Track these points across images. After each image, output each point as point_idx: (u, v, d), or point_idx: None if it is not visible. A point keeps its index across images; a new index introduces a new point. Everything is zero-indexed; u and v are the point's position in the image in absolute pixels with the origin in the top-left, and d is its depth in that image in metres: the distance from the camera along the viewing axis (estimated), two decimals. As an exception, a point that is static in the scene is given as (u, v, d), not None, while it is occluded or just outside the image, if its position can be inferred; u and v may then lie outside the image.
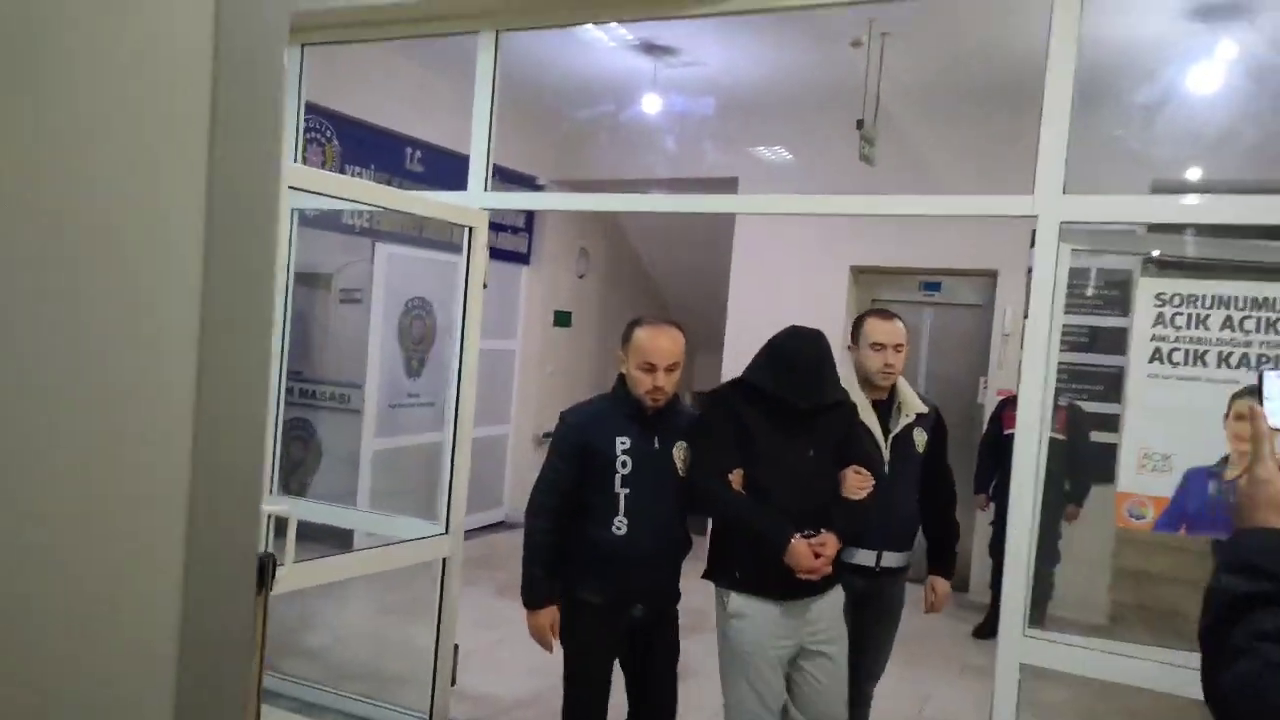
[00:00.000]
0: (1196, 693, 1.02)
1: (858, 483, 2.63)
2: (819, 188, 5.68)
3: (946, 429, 3.13)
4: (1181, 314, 2.53)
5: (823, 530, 2.56)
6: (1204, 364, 2.49)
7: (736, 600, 2.61)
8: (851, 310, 6.48)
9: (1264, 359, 2.41)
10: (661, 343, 2.60)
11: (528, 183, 7.10)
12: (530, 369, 7.46)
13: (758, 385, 2.63)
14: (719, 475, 2.60)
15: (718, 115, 6.27)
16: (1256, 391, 1.12)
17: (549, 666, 2.90)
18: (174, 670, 0.66)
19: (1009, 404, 5.40)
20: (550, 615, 2.62)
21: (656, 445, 2.64)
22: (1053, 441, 5.06)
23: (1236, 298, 2.49)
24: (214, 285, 0.66)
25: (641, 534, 2.58)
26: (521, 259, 7.30)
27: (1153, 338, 2.54)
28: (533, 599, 2.63)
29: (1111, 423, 5.22)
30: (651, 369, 2.58)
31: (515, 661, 4.04)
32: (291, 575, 2.67)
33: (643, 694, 2.76)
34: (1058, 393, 2.77)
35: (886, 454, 2.90)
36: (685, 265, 8.02)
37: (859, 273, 6.48)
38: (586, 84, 5.98)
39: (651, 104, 5.76)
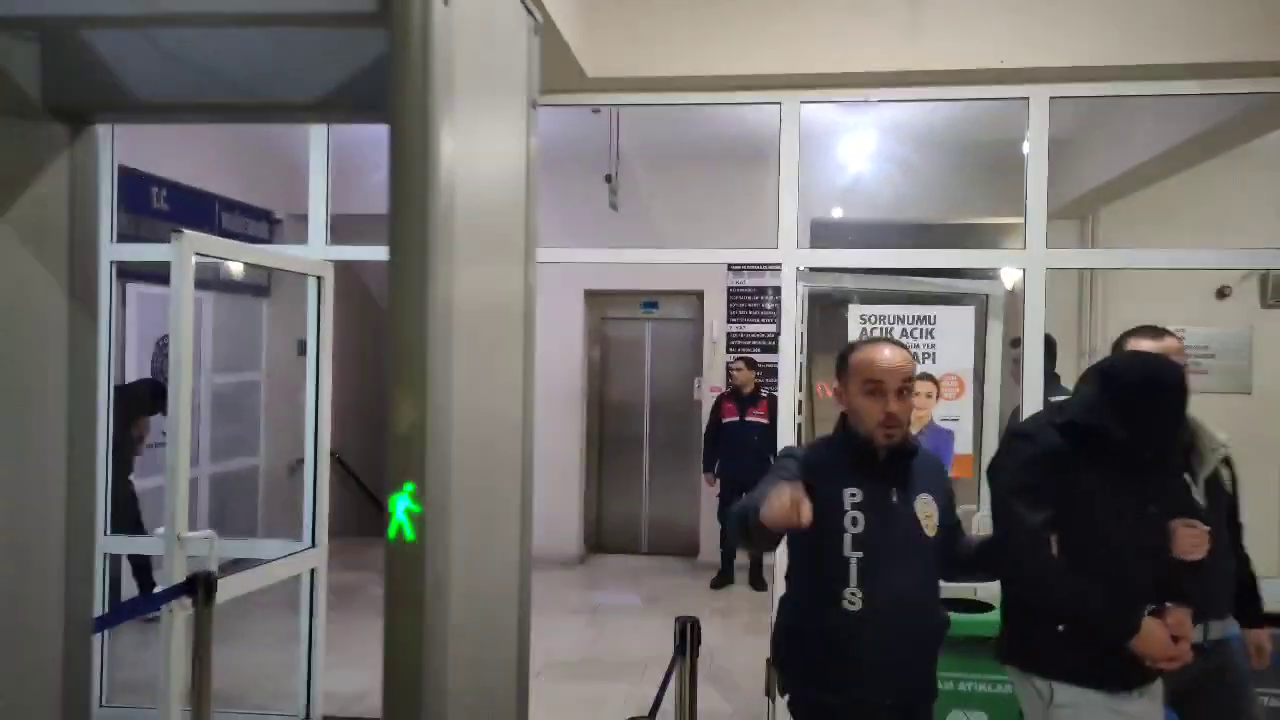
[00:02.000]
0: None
1: (1191, 539, 2.14)
2: (571, 231, 6.51)
3: (1234, 463, 2.52)
4: (877, 328, 3.77)
5: (1169, 605, 2.10)
6: (891, 360, 3.76)
7: (1066, 692, 2.13)
8: (588, 328, 7.51)
9: (927, 356, 3.71)
10: (887, 355, 2.10)
11: (264, 216, 7.24)
12: (277, 399, 7.57)
13: (1097, 429, 2.10)
14: (1040, 541, 2.11)
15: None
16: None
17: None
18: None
19: (725, 398, 6.74)
20: (787, 487, 1.87)
21: (894, 499, 2.11)
22: (758, 424, 6.46)
23: (906, 315, 3.78)
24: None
25: (881, 610, 2.04)
26: (262, 291, 7.41)
27: (861, 345, 3.77)
28: (748, 510, 1.98)
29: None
30: (880, 390, 2.07)
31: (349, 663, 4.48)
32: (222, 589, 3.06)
33: None
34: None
35: (1202, 501, 2.36)
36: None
37: (591, 295, 7.50)
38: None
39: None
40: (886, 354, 2.11)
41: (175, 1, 1.21)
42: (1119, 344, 2.50)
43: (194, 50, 1.24)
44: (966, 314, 3.76)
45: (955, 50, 3.54)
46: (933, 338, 3.71)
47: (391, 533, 1.18)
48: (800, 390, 3.85)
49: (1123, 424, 2.06)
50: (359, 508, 7.89)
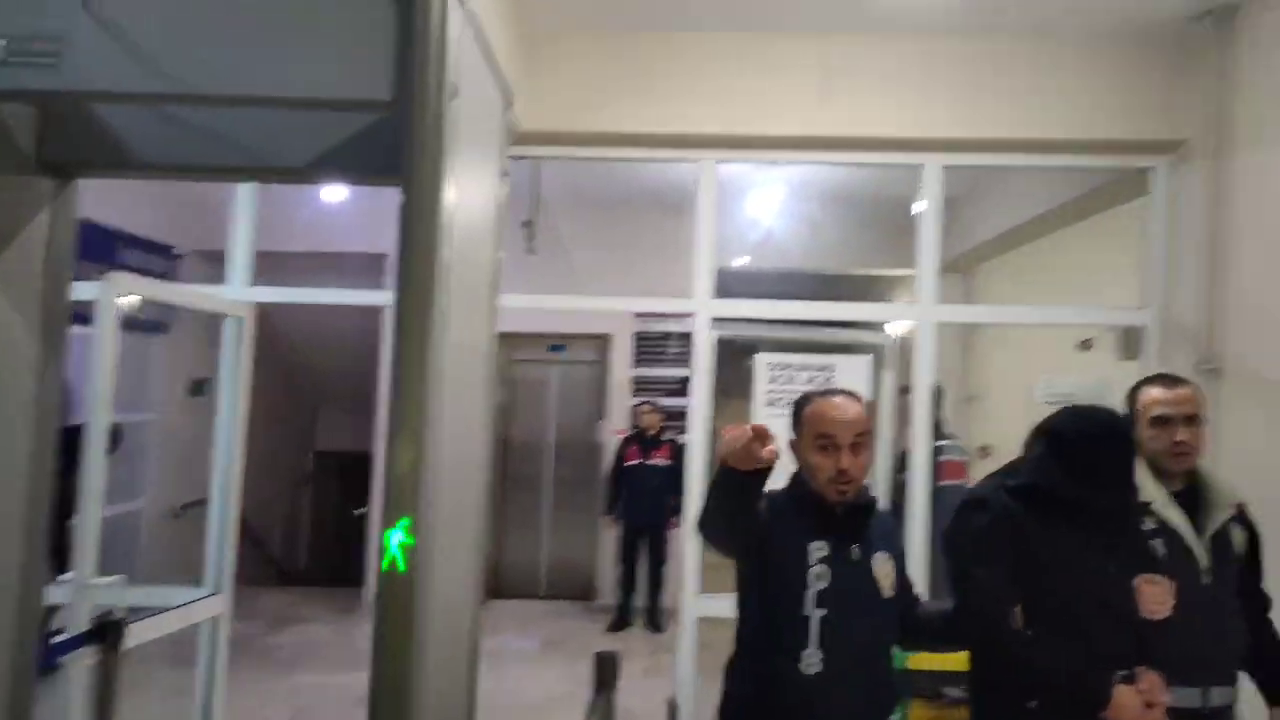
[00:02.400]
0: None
1: (1155, 595, 2.09)
2: None
3: (1259, 530, 2.38)
4: (781, 374, 3.99)
5: (1140, 669, 2.02)
6: (798, 405, 3.98)
7: None
8: (499, 370, 7.53)
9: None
10: (841, 411, 2.02)
11: (164, 252, 7.03)
12: (168, 440, 7.28)
13: (1048, 488, 2.08)
14: (1002, 613, 2.06)
15: (370, 192, 6.91)
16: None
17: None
18: None
19: (628, 441, 6.88)
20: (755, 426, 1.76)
21: (856, 555, 2.04)
22: (660, 467, 6.60)
23: (809, 364, 4.02)
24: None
25: (841, 674, 1.95)
26: (158, 329, 7.15)
27: (769, 389, 3.97)
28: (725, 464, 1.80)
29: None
30: (833, 446, 2.00)
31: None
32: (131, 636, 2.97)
33: None
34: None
35: (1206, 559, 2.24)
36: (326, 331, 8.41)
37: (499, 337, 7.53)
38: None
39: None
40: (839, 407, 2.03)
41: (201, 83, 1.28)
42: (1134, 392, 2.44)
43: (195, 115, 1.30)
44: (863, 363, 4.03)
45: (859, 119, 3.83)
46: (833, 384, 3.95)
47: (385, 564, 1.25)
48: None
49: (1073, 480, 2.04)
50: (246, 555, 7.63)
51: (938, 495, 3.94)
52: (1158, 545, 2.22)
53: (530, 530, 7.69)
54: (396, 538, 1.23)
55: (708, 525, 1.94)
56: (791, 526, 2.01)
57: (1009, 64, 3.82)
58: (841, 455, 1.99)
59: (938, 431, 4.02)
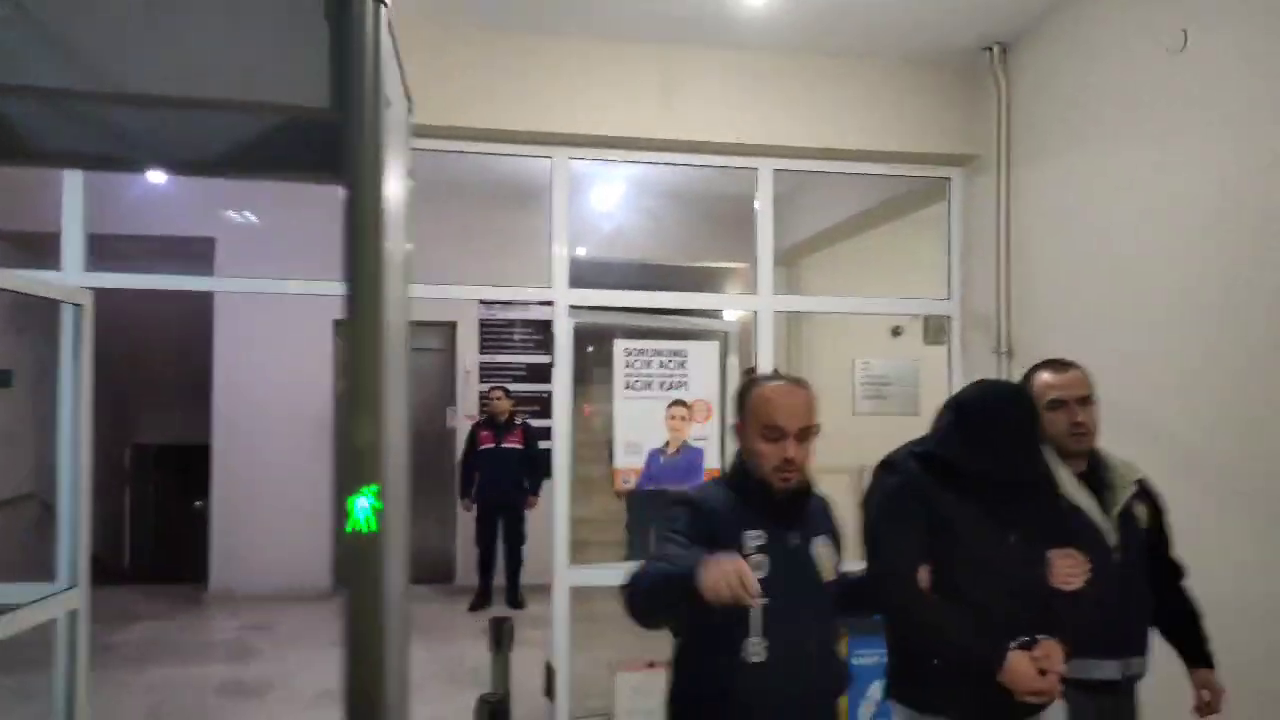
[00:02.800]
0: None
1: (1067, 568, 2.11)
2: (296, 251, 6.49)
3: (1162, 501, 2.49)
4: (638, 360, 4.30)
5: (1040, 637, 2.08)
6: (650, 388, 4.30)
7: None
8: (337, 358, 7.45)
9: (680, 385, 4.29)
10: (789, 400, 2.03)
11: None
12: (-30, 436, 6.76)
13: (949, 459, 2.14)
14: (907, 572, 2.11)
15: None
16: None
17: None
18: None
19: (480, 426, 7.03)
20: (730, 559, 1.73)
21: (796, 541, 2.03)
22: (514, 450, 6.80)
23: (663, 349, 4.35)
24: None
25: (786, 661, 1.95)
26: (-43, 316, 6.62)
27: (627, 373, 4.27)
28: (694, 570, 1.73)
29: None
30: (779, 435, 1.99)
31: None
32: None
33: None
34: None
35: (1114, 537, 2.33)
36: (146, 320, 7.99)
37: (341, 324, 7.45)
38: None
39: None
40: (788, 397, 2.03)
41: (130, 81, 1.39)
42: (1026, 379, 2.50)
43: (124, 115, 1.41)
44: (712, 348, 4.40)
45: (700, 125, 4.18)
46: (685, 368, 4.30)
47: (349, 528, 1.43)
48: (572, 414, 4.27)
49: (973, 453, 2.09)
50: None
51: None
52: (1109, 527, 2.32)
53: (379, 518, 7.67)
54: (363, 503, 1.40)
55: (643, 614, 1.89)
56: (729, 516, 1.99)
57: (833, 81, 4.28)
58: (788, 444, 1.98)
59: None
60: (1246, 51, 2.93)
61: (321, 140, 1.58)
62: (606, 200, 6.76)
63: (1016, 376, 4.14)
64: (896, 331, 7.55)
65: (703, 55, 4.19)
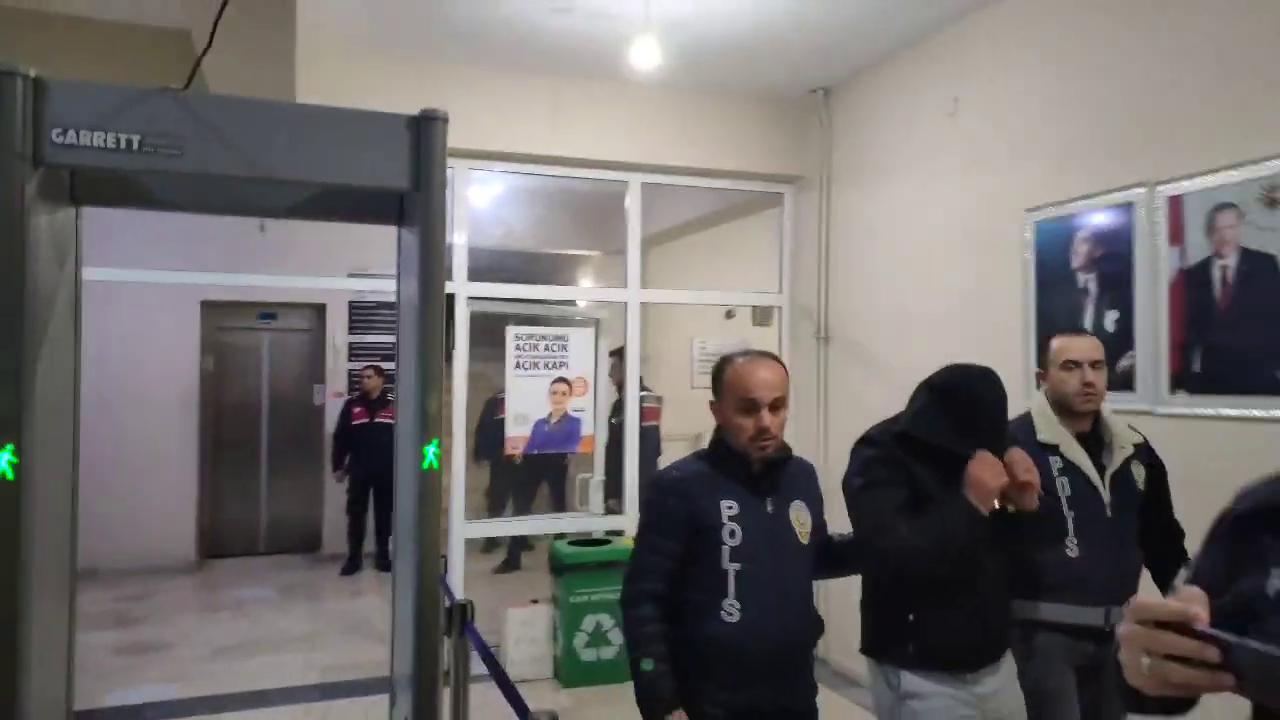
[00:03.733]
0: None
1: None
2: (176, 233, 6.63)
3: (1164, 465, 2.62)
4: (526, 343, 5.01)
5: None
6: (537, 368, 5.02)
7: (913, 680, 2.21)
8: (206, 338, 7.63)
9: (562, 364, 5.04)
10: (762, 374, 2.15)
11: None
12: None
13: (923, 438, 2.23)
14: (890, 522, 2.17)
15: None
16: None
17: None
18: None
19: (353, 403, 7.48)
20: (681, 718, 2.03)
21: (770, 509, 2.17)
22: (387, 424, 7.29)
23: (548, 334, 5.08)
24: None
25: (760, 619, 2.09)
26: None
27: (516, 354, 4.98)
28: (655, 703, 2.05)
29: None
30: (753, 408, 2.12)
31: None
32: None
33: None
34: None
35: (1106, 495, 2.46)
36: None
37: (207, 306, 7.65)
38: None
39: None
40: (761, 371, 2.15)
41: (276, 170, 2.00)
42: (1046, 341, 2.63)
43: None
44: (589, 333, 5.18)
45: (581, 144, 4.92)
46: (566, 350, 5.05)
47: (424, 465, 2.11)
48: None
49: (949, 432, 2.19)
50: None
51: (644, 434, 5.24)
52: (1064, 483, 2.44)
53: (248, 490, 7.95)
54: (431, 451, 2.08)
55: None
56: (707, 488, 2.14)
57: (693, 111, 5.13)
58: (762, 415, 2.11)
59: (640, 384, 5.30)
60: (994, 117, 4.00)
61: (376, 198, 2.24)
62: (496, 198, 7.36)
63: (833, 359, 5.23)
64: (730, 314, 8.59)
65: (585, 86, 4.93)
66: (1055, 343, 2.59)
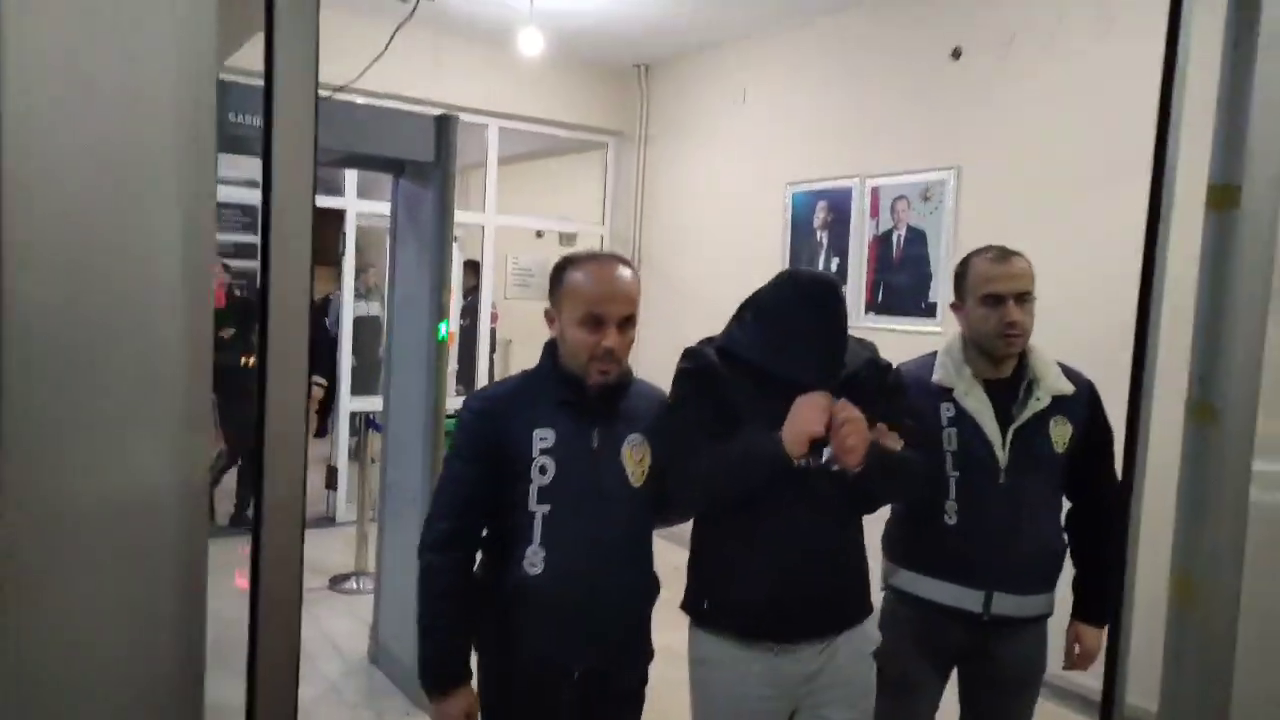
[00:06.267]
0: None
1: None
2: None
3: (1106, 417, 2.14)
4: (402, 253, 6.16)
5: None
6: (411, 274, 6.21)
7: (702, 642, 1.90)
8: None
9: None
10: (611, 284, 1.78)
11: None
12: None
13: (734, 354, 1.88)
14: (695, 440, 1.81)
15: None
16: None
17: None
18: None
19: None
20: (466, 700, 1.77)
21: (595, 442, 1.80)
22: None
23: (417, 246, 6.24)
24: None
25: (568, 572, 1.75)
26: None
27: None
28: (439, 677, 1.77)
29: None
30: (598, 323, 1.75)
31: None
32: None
33: None
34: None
35: (1003, 455, 2.05)
36: None
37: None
38: None
39: None
40: (613, 279, 1.77)
41: (333, 142, 3.21)
42: (963, 264, 2.14)
43: None
44: (454, 246, 6.39)
45: (457, 93, 6.06)
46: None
47: (441, 337, 3.43)
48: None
49: (759, 348, 1.84)
50: None
51: (492, 335, 6.60)
52: (951, 435, 2.06)
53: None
54: (444, 328, 3.42)
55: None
56: (521, 414, 1.78)
57: (542, 74, 6.39)
58: (608, 332, 1.74)
59: (475, 296, 6.62)
60: (770, 111, 5.64)
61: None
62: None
63: (648, 284, 6.76)
64: (539, 234, 9.93)
65: (466, 46, 6.04)
66: (976, 266, 2.09)
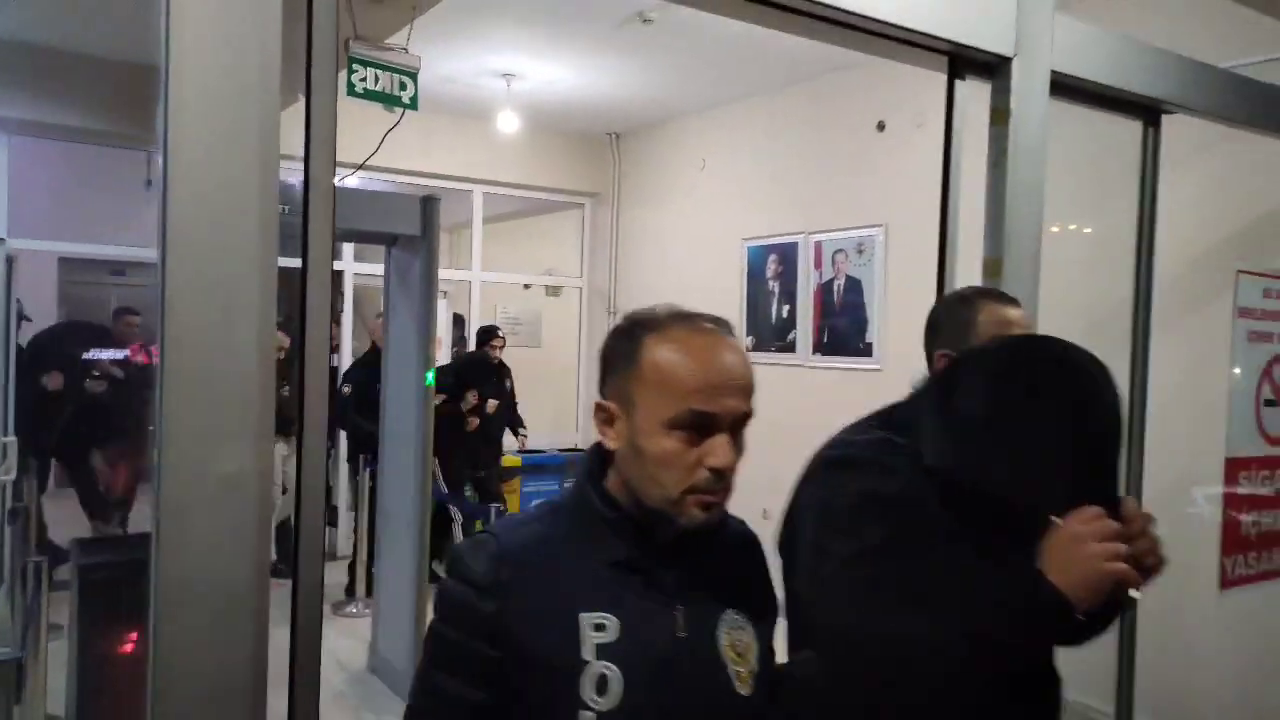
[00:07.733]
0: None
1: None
2: None
3: None
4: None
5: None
6: (404, 327, 6.77)
7: None
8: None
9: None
10: (725, 363, 1.07)
11: None
12: None
13: (963, 479, 1.18)
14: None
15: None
16: None
17: None
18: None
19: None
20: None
21: (682, 625, 1.08)
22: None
23: (410, 302, 6.82)
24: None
25: None
26: None
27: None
28: None
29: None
30: (706, 428, 1.04)
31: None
32: None
33: None
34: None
35: None
36: None
37: (59, 262, 8.50)
38: None
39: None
40: (718, 357, 1.07)
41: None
42: (968, 302, 1.54)
43: None
44: (444, 303, 6.97)
45: (444, 163, 6.68)
46: (427, 315, 6.82)
47: (429, 381, 3.97)
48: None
49: (1016, 467, 1.13)
50: None
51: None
52: None
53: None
54: (430, 375, 3.97)
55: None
56: (561, 585, 1.05)
57: (523, 142, 7.01)
58: (717, 444, 1.04)
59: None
60: (726, 178, 6.26)
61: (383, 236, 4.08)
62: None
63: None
64: (527, 286, 10.56)
65: (451, 123, 6.67)
66: (985, 309, 1.51)
